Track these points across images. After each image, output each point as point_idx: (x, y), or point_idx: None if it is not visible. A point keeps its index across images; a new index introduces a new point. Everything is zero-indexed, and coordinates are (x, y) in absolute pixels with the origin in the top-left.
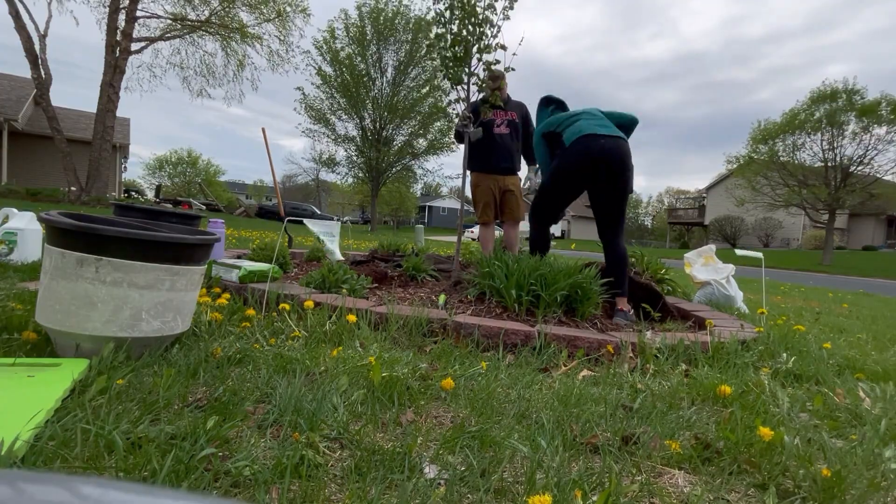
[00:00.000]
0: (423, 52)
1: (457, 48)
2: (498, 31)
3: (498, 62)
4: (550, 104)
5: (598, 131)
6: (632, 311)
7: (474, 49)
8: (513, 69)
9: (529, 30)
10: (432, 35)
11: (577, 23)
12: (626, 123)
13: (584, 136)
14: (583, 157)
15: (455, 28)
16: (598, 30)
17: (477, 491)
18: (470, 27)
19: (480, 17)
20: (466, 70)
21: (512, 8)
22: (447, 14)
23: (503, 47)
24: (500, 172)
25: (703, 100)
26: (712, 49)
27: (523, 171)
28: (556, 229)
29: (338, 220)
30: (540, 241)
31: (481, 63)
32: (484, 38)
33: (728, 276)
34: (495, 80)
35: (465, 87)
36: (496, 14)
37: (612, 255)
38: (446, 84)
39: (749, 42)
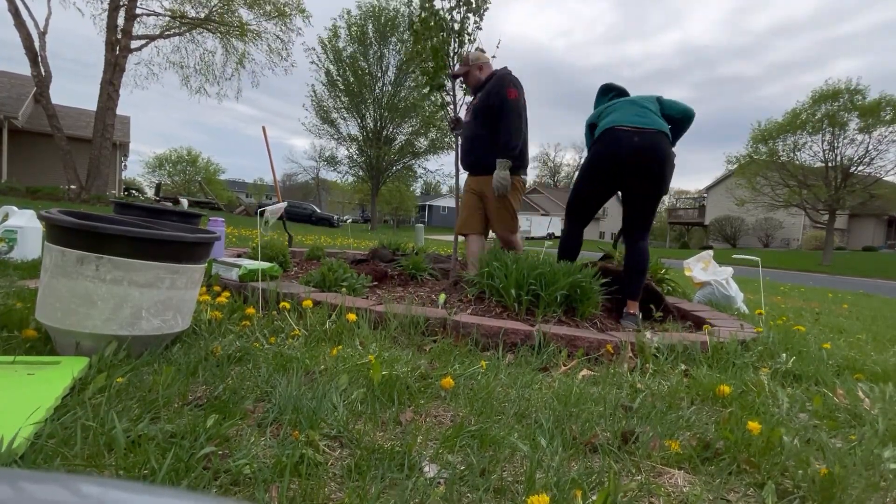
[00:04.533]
0: (414, 61)
1: (437, 60)
2: (475, 38)
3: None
4: (609, 92)
5: (632, 123)
6: (640, 315)
7: (453, 58)
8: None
9: (530, 24)
10: (412, 50)
11: (580, 15)
12: (678, 116)
13: (614, 129)
14: (609, 154)
15: (432, 42)
16: (599, 23)
17: (476, 490)
18: (444, 35)
19: (456, 27)
20: (446, 73)
21: (482, 19)
22: (424, 32)
23: (481, 51)
24: (466, 171)
25: (707, 96)
26: (717, 43)
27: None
28: (556, 228)
29: (338, 218)
30: (569, 242)
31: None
32: (462, 45)
33: (727, 276)
34: (463, 65)
35: (451, 92)
36: (470, 25)
37: (634, 256)
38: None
39: (755, 35)
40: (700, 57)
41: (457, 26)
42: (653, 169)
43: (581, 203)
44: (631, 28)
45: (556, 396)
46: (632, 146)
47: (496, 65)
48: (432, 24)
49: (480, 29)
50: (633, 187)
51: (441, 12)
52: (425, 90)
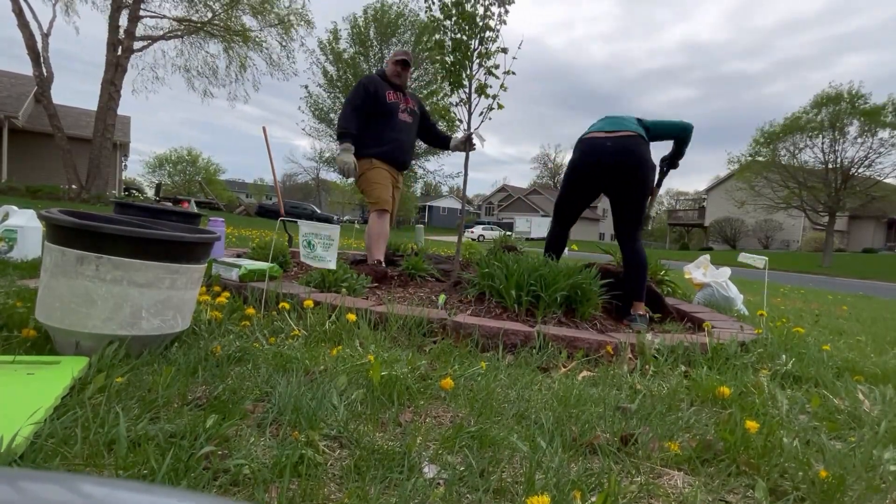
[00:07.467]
0: (425, 54)
1: (457, 53)
2: (497, 35)
3: (497, 66)
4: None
5: (603, 130)
6: (647, 315)
7: (475, 55)
8: (513, 73)
9: (530, 20)
10: (432, 41)
11: (578, 11)
12: (670, 133)
13: (588, 136)
14: (584, 160)
15: (454, 34)
16: (599, 19)
17: (476, 491)
18: (469, 32)
19: (479, 23)
20: (466, 73)
21: (507, 12)
22: (446, 22)
23: (504, 50)
24: (399, 168)
25: (710, 95)
26: (720, 40)
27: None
28: None
29: (338, 219)
30: (555, 238)
31: (482, 67)
32: (484, 42)
33: (726, 278)
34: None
35: (467, 90)
36: (493, 19)
37: (628, 258)
38: (446, 87)
39: (760, 31)
40: (705, 55)
41: (478, 20)
42: (627, 170)
43: (564, 207)
44: (635, 26)
45: (555, 397)
46: (605, 150)
47: (514, 66)
48: (455, 13)
49: (505, 23)
50: (614, 190)
51: (465, 3)
52: (446, 88)
